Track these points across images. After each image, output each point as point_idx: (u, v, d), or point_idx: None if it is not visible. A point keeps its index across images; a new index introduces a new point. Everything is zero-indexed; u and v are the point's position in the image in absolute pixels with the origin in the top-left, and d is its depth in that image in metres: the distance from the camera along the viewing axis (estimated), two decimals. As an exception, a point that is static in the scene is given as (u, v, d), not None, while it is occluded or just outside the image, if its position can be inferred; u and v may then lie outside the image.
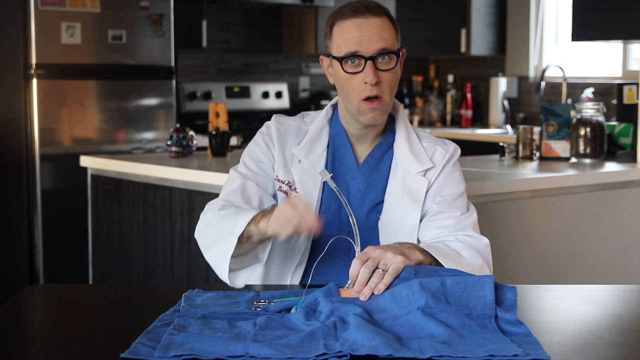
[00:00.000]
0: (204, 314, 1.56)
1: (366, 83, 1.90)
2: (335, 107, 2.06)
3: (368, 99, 1.91)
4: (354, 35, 1.89)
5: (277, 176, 2.01)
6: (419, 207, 1.97)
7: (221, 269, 1.83)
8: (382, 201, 2.00)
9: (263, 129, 2.07)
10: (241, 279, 1.83)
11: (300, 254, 1.97)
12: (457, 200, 2.00)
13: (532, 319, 1.58)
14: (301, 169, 1.99)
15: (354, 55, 1.89)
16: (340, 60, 1.92)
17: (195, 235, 1.96)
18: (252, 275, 1.86)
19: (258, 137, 2.06)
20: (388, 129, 2.04)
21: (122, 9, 4.45)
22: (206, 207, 1.97)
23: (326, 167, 1.99)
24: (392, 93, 1.95)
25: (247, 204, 1.94)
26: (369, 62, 1.89)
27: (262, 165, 2.01)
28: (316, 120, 2.05)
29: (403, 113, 2.08)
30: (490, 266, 1.94)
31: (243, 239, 1.80)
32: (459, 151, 2.07)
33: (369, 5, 1.92)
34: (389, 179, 2.00)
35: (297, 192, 1.98)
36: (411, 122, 6.01)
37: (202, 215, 1.95)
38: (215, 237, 1.86)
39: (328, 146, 2.03)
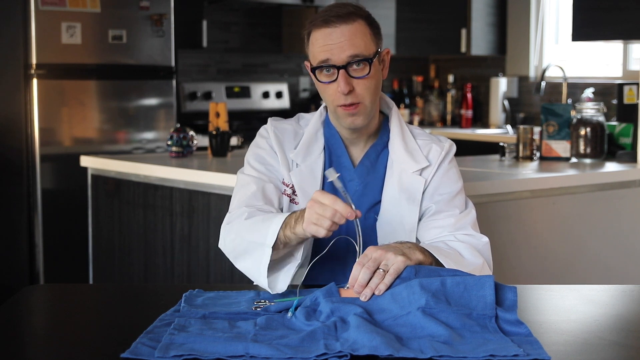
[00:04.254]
0: (205, 314, 1.56)
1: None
2: (327, 109, 2.06)
3: (344, 105, 1.92)
4: (324, 43, 1.89)
5: (282, 179, 2.01)
6: (416, 207, 1.97)
7: (259, 279, 1.79)
8: (380, 202, 1.99)
9: (262, 132, 2.06)
10: (282, 283, 1.79)
11: (302, 258, 1.97)
12: (455, 198, 1.99)
13: (532, 319, 1.58)
14: (299, 173, 1.99)
15: (326, 65, 1.89)
16: (314, 69, 1.93)
17: (221, 246, 1.92)
18: (291, 277, 1.81)
19: (260, 141, 2.05)
20: (382, 128, 2.04)
21: (123, 9, 4.45)
22: (227, 217, 1.93)
23: (324, 170, 1.99)
24: (372, 96, 1.93)
25: (269, 205, 1.94)
26: (342, 71, 1.89)
27: (270, 167, 2.01)
28: (311, 123, 2.04)
29: (396, 111, 2.06)
30: (490, 265, 1.94)
31: (279, 245, 1.77)
32: (454, 147, 2.06)
33: (340, 13, 1.90)
34: (385, 180, 2.00)
35: (296, 195, 1.98)
36: (411, 122, 6.02)
37: (226, 226, 1.91)
38: (246, 248, 1.83)
39: (324, 149, 2.02)
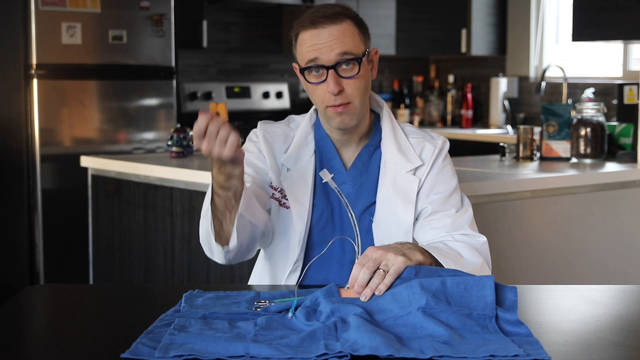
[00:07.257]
0: (205, 314, 1.56)
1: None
2: (317, 111, 2.04)
3: (333, 106, 1.91)
4: (312, 43, 1.88)
5: (270, 183, 2.00)
6: (411, 207, 1.96)
7: (211, 246, 1.87)
8: (374, 203, 1.98)
9: (252, 136, 2.06)
10: (232, 240, 1.84)
11: (294, 262, 1.97)
12: (451, 197, 1.98)
13: (532, 319, 1.58)
14: (290, 177, 1.99)
15: (315, 65, 1.88)
16: (303, 70, 1.91)
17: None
18: (236, 233, 1.86)
19: (249, 144, 2.05)
20: (374, 129, 2.03)
21: (123, 9, 4.45)
22: None
23: (315, 173, 1.99)
24: (362, 97, 1.92)
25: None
26: (331, 71, 1.88)
27: (258, 169, 2.01)
28: (301, 126, 2.04)
29: (387, 110, 2.05)
30: (490, 264, 1.93)
31: (218, 191, 1.86)
32: (447, 144, 2.05)
33: (327, 14, 1.89)
34: (379, 180, 1.99)
35: (287, 199, 1.98)
36: (411, 122, 6.02)
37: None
38: (201, 228, 1.90)
39: (315, 152, 2.01)
